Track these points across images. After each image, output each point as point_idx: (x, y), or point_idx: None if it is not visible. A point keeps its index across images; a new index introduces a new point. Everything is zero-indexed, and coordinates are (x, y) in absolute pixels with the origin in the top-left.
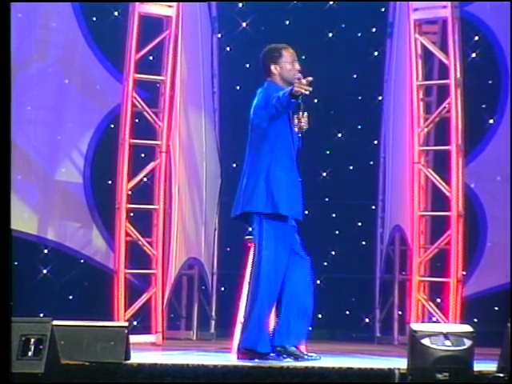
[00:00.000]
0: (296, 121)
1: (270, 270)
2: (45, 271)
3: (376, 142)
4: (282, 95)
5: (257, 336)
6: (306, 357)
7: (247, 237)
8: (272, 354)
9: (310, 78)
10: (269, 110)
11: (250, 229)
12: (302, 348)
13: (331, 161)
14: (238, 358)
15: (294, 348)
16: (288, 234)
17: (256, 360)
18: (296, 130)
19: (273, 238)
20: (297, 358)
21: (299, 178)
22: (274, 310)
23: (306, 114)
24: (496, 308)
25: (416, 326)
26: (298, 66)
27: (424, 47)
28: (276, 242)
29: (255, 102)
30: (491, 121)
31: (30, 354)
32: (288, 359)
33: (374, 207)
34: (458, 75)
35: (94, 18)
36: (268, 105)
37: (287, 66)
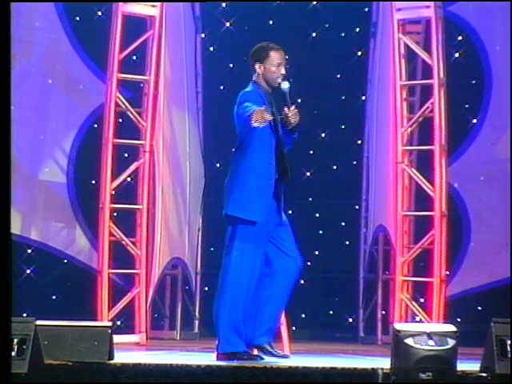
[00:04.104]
0: (284, 116)
1: (242, 271)
2: (28, 271)
3: (359, 141)
4: (246, 112)
5: (227, 338)
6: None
7: None
8: (251, 352)
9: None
10: (236, 116)
11: None
12: (286, 347)
13: (315, 161)
14: (218, 359)
15: (268, 346)
16: (261, 235)
17: (235, 360)
18: (287, 125)
19: (243, 239)
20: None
21: (272, 178)
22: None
23: (293, 107)
24: (479, 308)
25: (399, 325)
26: (283, 71)
27: (407, 47)
28: (247, 242)
29: (236, 103)
30: (474, 120)
31: (13, 354)
32: (265, 357)
33: (357, 207)
34: (442, 75)
35: (78, 18)
36: (237, 111)
37: (272, 68)
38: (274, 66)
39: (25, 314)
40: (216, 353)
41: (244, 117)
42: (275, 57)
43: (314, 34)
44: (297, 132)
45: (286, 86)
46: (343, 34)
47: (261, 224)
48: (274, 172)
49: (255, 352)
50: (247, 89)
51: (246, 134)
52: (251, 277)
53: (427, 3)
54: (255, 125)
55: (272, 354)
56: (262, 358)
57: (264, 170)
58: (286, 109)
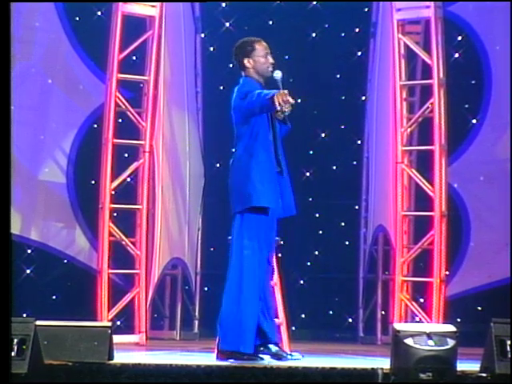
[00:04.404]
0: (278, 107)
1: (254, 270)
2: (28, 271)
3: (359, 141)
4: (263, 97)
5: (241, 337)
6: (288, 356)
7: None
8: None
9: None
10: (246, 106)
11: None
12: (285, 347)
13: (314, 161)
14: (218, 358)
15: (276, 347)
16: (268, 230)
17: (231, 360)
18: (279, 115)
19: (254, 236)
20: (280, 357)
21: (276, 169)
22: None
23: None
24: (479, 308)
25: (399, 325)
26: (271, 59)
27: (407, 47)
28: (257, 239)
29: (233, 100)
30: (474, 121)
31: (13, 354)
32: (271, 359)
33: (357, 207)
34: (441, 75)
35: (77, 18)
36: (246, 101)
37: (261, 59)
38: (263, 56)
39: (25, 314)
40: (216, 350)
41: (261, 101)
42: (261, 48)
43: (313, 34)
44: (288, 122)
45: (278, 75)
46: (343, 34)
47: (273, 212)
48: (275, 163)
49: (266, 356)
50: (241, 83)
51: (252, 129)
52: (262, 275)
53: (427, 3)
54: (278, 108)
55: (285, 358)
56: (262, 359)
57: (269, 162)
58: None
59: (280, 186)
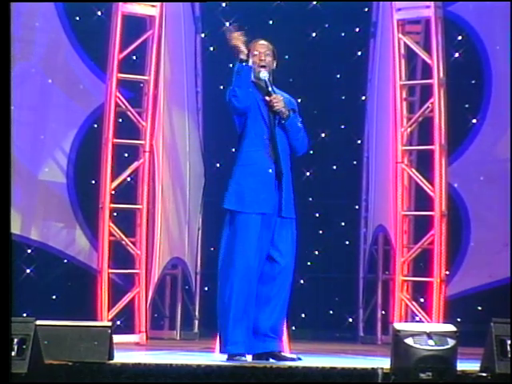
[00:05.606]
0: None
1: (241, 269)
2: (28, 271)
3: (359, 141)
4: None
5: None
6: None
7: None
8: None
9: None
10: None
11: None
12: (285, 347)
13: (314, 160)
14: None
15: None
16: (260, 231)
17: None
18: (279, 114)
19: (241, 233)
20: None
21: (268, 169)
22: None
23: (275, 95)
24: (479, 308)
25: (399, 325)
26: (258, 60)
27: (407, 47)
28: (247, 238)
29: None
30: (474, 120)
31: (13, 354)
32: (271, 360)
33: (357, 207)
34: (442, 75)
35: (78, 18)
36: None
37: (253, 60)
38: (252, 58)
39: (25, 314)
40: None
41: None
42: (251, 49)
43: (313, 34)
44: (288, 119)
45: (263, 74)
46: (343, 34)
47: (259, 215)
48: (271, 163)
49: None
50: None
51: (243, 128)
52: (254, 273)
53: (427, 3)
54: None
55: (286, 359)
56: (265, 360)
57: (261, 161)
58: (266, 97)
59: (276, 188)
